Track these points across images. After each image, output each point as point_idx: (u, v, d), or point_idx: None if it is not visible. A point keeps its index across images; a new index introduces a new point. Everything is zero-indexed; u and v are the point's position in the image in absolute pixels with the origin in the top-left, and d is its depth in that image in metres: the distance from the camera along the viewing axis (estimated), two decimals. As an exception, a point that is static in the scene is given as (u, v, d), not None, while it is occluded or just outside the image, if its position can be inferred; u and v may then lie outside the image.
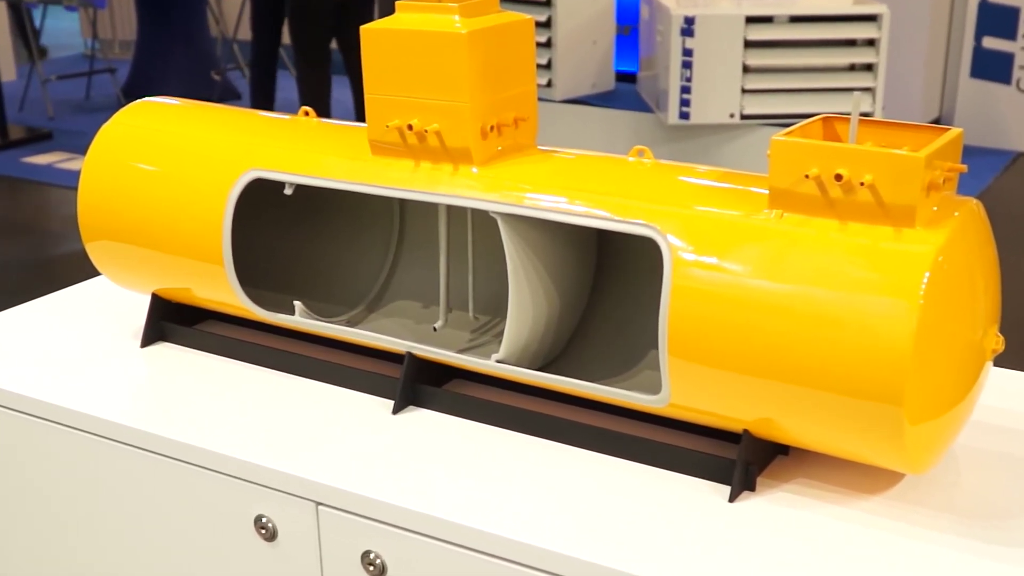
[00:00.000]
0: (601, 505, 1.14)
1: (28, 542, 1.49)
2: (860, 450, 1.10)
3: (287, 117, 1.48)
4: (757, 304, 1.07)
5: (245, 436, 1.28)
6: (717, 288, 1.09)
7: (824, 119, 1.17)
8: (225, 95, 6.70)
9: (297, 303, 1.40)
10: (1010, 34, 5.49)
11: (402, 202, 1.56)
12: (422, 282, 1.53)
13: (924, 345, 1.01)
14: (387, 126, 1.29)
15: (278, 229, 1.55)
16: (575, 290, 1.35)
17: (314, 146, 1.37)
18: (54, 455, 1.40)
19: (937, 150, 1.06)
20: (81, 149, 5.39)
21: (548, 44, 4.96)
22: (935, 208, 1.07)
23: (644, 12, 5.15)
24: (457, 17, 1.24)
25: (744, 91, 4.51)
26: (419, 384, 1.33)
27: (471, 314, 1.45)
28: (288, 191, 1.36)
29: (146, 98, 1.55)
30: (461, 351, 1.35)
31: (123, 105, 1.68)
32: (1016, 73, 5.52)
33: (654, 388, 1.17)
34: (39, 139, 6.16)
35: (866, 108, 4.40)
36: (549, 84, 5.01)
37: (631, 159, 1.27)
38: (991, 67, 5.56)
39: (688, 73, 4.49)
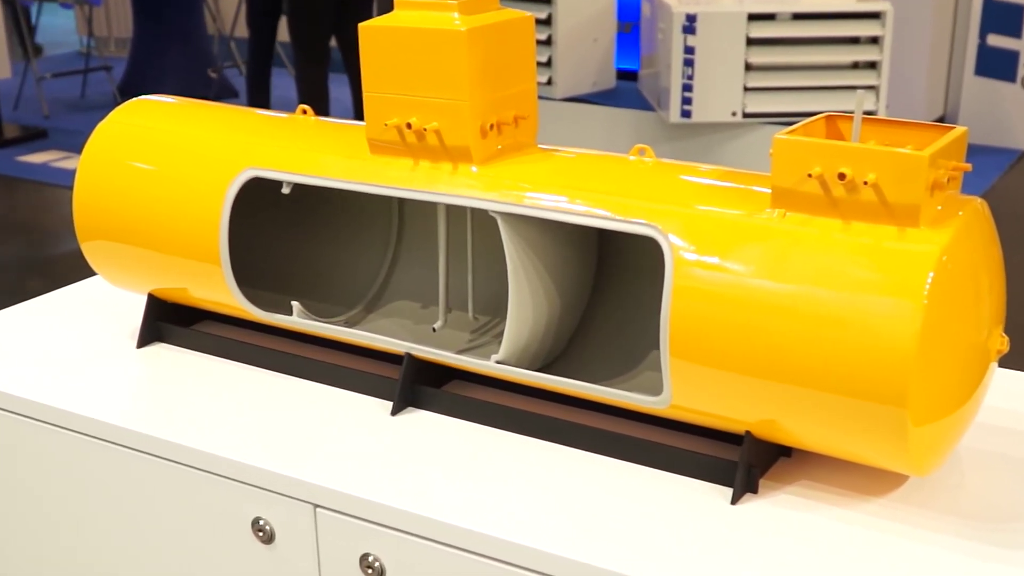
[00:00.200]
0: (602, 507, 1.13)
1: (24, 544, 1.48)
2: (863, 452, 1.09)
3: (285, 116, 1.47)
4: (759, 304, 1.06)
5: (242, 438, 1.27)
6: (719, 288, 1.09)
7: (827, 117, 1.16)
8: (222, 93, 6.69)
9: (295, 303, 1.39)
10: (1015, 32, 5.47)
11: (401, 201, 1.55)
12: (421, 282, 1.53)
13: (928, 346, 1.01)
14: (386, 124, 1.28)
15: (275, 228, 1.54)
16: (575, 290, 1.35)
17: (312, 145, 1.37)
18: (49, 457, 1.39)
19: (941, 149, 1.06)
20: (76, 148, 5.41)
21: (548, 42, 4.96)
22: (939, 207, 1.07)
23: (645, 9, 5.14)
24: (456, 14, 1.23)
25: (746, 89, 4.50)
26: (418, 385, 1.32)
27: (470, 314, 1.44)
28: (286, 190, 1.35)
29: (142, 96, 1.55)
30: (460, 352, 1.35)
31: (119, 103, 1.67)
32: (1021, 71, 5.51)
33: (655, 389, 1.16)
34: (34, 138, 6.14)
35: (869, 106, 4.39)
36: (549, 82, 5.01)
37: (632, 158, 1.27)
38: (996, 65, 5.55)
39: (690, 71, 4.48)
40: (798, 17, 4.49)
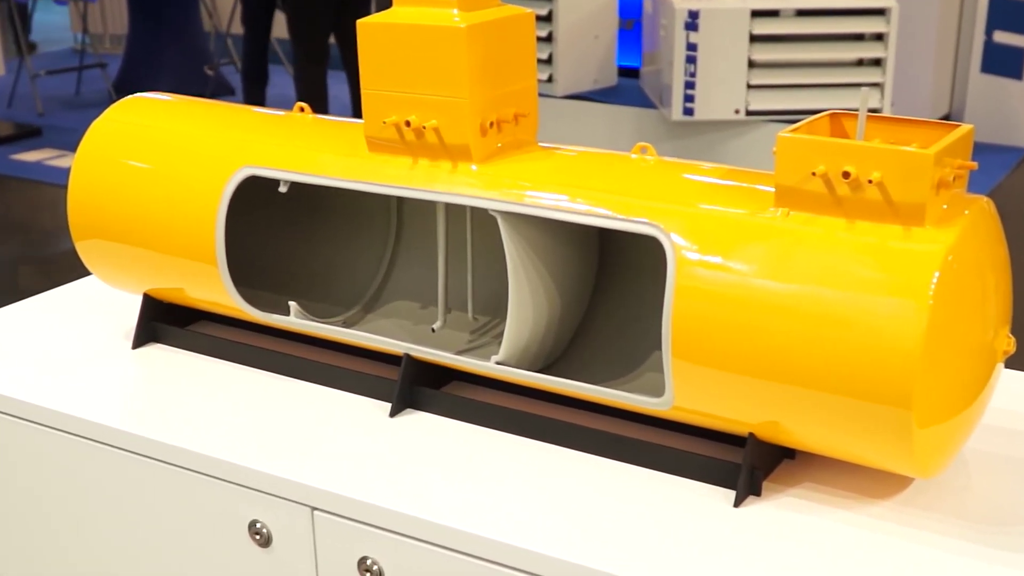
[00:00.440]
0: (603, 510, 1.12)
1: (20, 547, 1.47)
2: (868, 454, 1.09)
3: (282, 113, 1.46)
4: (763, 304, 1.06)
5: (239, 440, 1.27)
6: (722, 288, 1.08)
7: (831, 115, 1.16)
8: (219, 91, 6.68)
9: (292, 303, 1.38)
10: (1021, 28, 5.45)
11: (399, 200, 1.54)
12: (420, 282, 1.52)
13: (934, 346, 1.00)
14: (384, 122, 1.27)
15: (272, 228, 1.53)
16: (576, 290, 1.34)
17: (310, 143, 1.36)
18: (44, 458, 1.38)
19: (947, 147, 1.05)
20: (71, 146, 5.39)
21: (549, 38, 4.95)
22: (945, 206, 1.06)
23: (647, 6, 5.13)
24: (456, 11, 1.23)
25: (749, 86, 4.50)
26: (417, 386, 1.32)
27: (470, 315, 1.43)
28: (283, 189, 1.35)
29: (137, 94, 1.54)
30: (460, 352, 1.34)
31: (114, 101, 1.67)
32: (1028, 68, 5.50)
33: (657, 390, 1.16)
34: (28, 135, 6.13)
35: (874, 104, 4.38)
36: (550, 79, 5.00)
37: (634, 156, 1.26)
38: (1002, 62, 5.53)
39: (692, 68, 4.47)
40: (802, 13, 4.48)
